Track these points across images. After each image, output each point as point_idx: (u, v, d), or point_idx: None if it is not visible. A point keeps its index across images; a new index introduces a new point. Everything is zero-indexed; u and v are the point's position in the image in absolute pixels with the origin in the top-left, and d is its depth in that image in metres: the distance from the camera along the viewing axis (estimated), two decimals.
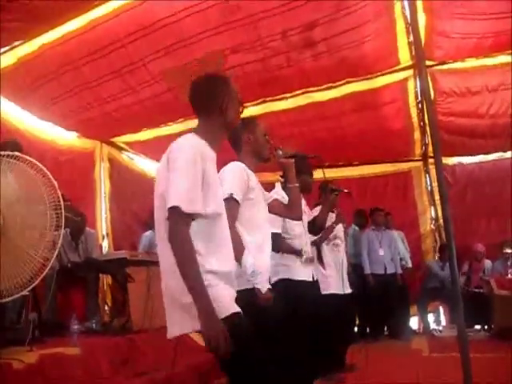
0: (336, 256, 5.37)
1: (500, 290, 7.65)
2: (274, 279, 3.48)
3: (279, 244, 3.95)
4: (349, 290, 5.34)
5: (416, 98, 7.23)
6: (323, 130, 7.72)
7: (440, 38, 5.81)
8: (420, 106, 7.30)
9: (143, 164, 8.89)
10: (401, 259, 8.56)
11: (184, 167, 2.17)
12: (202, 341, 2.12)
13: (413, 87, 7.04)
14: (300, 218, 3.71)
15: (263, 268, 3.08)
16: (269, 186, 3.44)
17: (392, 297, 7.88)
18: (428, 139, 8.21)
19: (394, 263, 8.07)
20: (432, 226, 9.47)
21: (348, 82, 6.64)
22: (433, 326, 8.70)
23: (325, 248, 5.24)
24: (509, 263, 8.32)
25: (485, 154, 8.90)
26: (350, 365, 5.41)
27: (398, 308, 7.98)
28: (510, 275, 8.09)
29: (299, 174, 3.94)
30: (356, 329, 8.15)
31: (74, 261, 6.44)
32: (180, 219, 2.11)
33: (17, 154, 4.16)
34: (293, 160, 3.41)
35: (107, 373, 4.45)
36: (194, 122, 2.52)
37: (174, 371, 4.56)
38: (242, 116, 2.84)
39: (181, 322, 2.16)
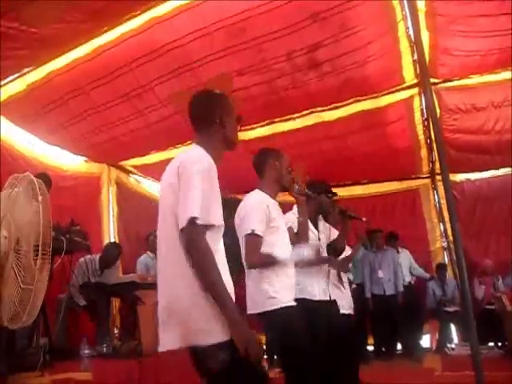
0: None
1: None
2: None
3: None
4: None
5: (422, 115, 7.23)
6: (331, 150, 7.73)
7: (444, 55, 5.83)
8: (426, 123, 7.30)
9: (151, 187, 8.93)
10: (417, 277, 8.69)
11: (198, 179, 2.18)
12: None
13: (418, 105, 7.04)
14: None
15: (288, 288, 3.29)
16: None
17: (396, 316, 7.87)
18: (435, 156, 8.20)
19: (393, 283, 8.06)
20: (442, 243, 9.41)
21: (354, 102, 6.67)
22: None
23: None
24: None
25: (492, 169, 8.87)
26: None
27: (407, 326, 7.94)
28: None
29: (318, 194, 4.33)
30: (370, 348, 8.15)
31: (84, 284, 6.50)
32: (198, 229, 2.12)
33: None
34: (304, 198, 3.74)
35: None
36: None
37: None
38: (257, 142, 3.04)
39: (203, 332, 2.11)
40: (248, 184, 3.67)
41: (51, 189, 5.39)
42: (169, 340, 2.20)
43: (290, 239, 3.67)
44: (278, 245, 3.31)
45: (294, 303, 3.27)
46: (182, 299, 2.14)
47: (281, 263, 3.22)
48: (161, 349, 2.22)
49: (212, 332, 2.09)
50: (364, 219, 5.12)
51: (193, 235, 2.12)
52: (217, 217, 2.28)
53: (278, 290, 3.19)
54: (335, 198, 4.71)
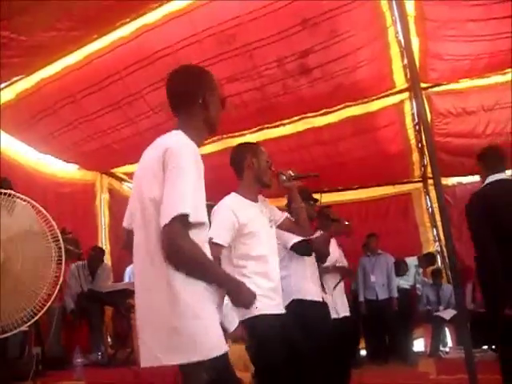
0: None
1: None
2: (287, 301, 3.53)
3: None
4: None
5: (413, 120, 7.26)
6: (322, 155, 7.74)
7: (434, 60, 5.86)
8: (417, 127, 7.33)
9: None
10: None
11: (188, 169, 1.96)
12: None
13: (409, 109, 7.07)
14: (310, 235, 3.84)
15: (273, 294, 3.17)
16: None
17: (389, 321, 7.88)
18: (426, 160, 8.23)
19: (387, 288, 8.06)
20: (435, 247, 9.43)
21: (345, 107, 6.69)
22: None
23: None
24: None
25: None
26: None
27: (400, 331, 7.95)
28: None
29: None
30: (363, 352, 8.15)
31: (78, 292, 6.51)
32: (183, 230, 1.90)
33: (13, 192, 4.21)
34: (295, 182, 3.53)
35: None
36: None
37: None
38: (246, 141, 2.93)
39: (185, 350, 1.90)
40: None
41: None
42: (144, 356, 2.00)
43: (292, 231, 3.62)
44: (258, 252, 3.15)
45: (274, 311, 3.13)
46: (159, 314, 1.95)
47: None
48: (142, 365, 2.01)
49: (198, 348, 1.91)
50: (346, 222, 5.06)
51: (175, 235, 1.89)
52: (205, 214, 2.08)
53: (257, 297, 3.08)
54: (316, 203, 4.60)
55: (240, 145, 3.55)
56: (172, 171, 1.94)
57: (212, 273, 2.06)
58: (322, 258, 4.54)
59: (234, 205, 3.20)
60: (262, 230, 3.25)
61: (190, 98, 2.25)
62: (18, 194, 4.22)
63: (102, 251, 7.32)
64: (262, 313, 3.03)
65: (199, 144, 2.18)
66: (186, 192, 1.91)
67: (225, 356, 2.01)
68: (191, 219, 1.91)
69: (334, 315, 4.95)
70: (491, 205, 3.64)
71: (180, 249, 1.90)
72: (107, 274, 7.08)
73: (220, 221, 3.08)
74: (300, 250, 4.07)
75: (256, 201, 3.36)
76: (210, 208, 3.28)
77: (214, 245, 2.94)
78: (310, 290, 4.05)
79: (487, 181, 3.85)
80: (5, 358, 4.65)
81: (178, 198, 1.90)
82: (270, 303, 3.10)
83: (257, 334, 3.02)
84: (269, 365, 3.00)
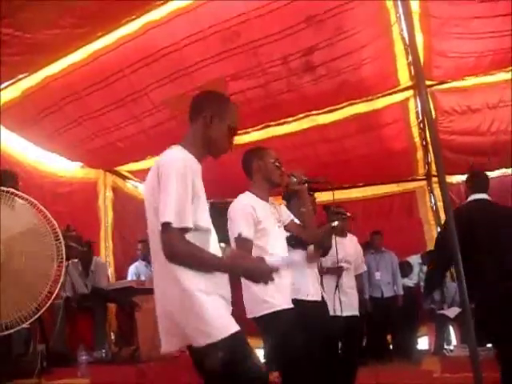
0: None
1: None
2: None
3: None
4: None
5: (417, 117, 7.24)
6: (327, 153, 7.73)
7: (438, 57, 5.84)
8: (421, 125, 7.31)
9: None
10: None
11: (174, 182, 2.14)
12: None
13: (413, 107, 7.06)
14: (317, 240, 3.91)
15: (283, 290, 3.26)
16: None
17: (394, 319, 7.86)
18: (431, 158, 8.21)
19: (392, 286, 8.04)
20: None
21: (350, 104, 6.68)
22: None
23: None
24: None
25: (488, 171, 8.84)
26: None
27: (404, 329, 7.93)
28: None
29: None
30: (368, 350, 8.14)
31: (81, 291, 6.50)
32: (173, 234, 2.11)
33: (13, 190, 4.22)
34: (306, 185, 3.65)
35: None
36: None
37: None
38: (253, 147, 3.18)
39: (198, 335, 2.13)
40: (245, 188, 3.65)
41: (45, 194, 5.40)
42: (167, 342, 2.26)
43: (297, 234, 3.69)
44: (270, 249, 3.29)
45: (289, 305, 3.25)
46: (175, 302, 2.16)
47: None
48: (162, 351, 2.27)
49: (207, 332, 2.11)
50: (349, 214, 5.05)
51: (169, 241, 2.11)
52: (202, 218, 2.26)
53: (271, 293, 3.12)
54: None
55: (247, 151, 3.67)
56: (162, 185, 2.17)
57: (215, 265, 2.24)
58: (323, 250, 4.54)
59: (251, 201, 3.37)
60: (272, 228, 3.39)
61: (197, 111, 2.43)
62: (18, 192, 4.23)
63: (91, 245, 7.19)
64: (277, 309, 3.16)
65: (200, 158, 2.37)
66: (169, 203, 2.12)
67: (238, 335, 2.17)
68: (175, 225, 2.10)
69: (337, 313, 4.95)
70: (472, 219, 4.11)
71: (175, 254, 2.13)
72: (103, 269, 7.03)
73: (242, 215, 3.27)
74: (290, 241, 4.10)
75: (267, 201, 3.51)
76: (211, 206, 3.36)
77: (244, 240, 3.21)
78: (309, 290, 4.05)
79: (472, 198, 4.42)
80: (10, 354, 4.67)
81: (164, 208, 2.13)
82: (282, 299, 3.21)
83: (275, 329, 3.13)
84: (293, 357, 3.09)
